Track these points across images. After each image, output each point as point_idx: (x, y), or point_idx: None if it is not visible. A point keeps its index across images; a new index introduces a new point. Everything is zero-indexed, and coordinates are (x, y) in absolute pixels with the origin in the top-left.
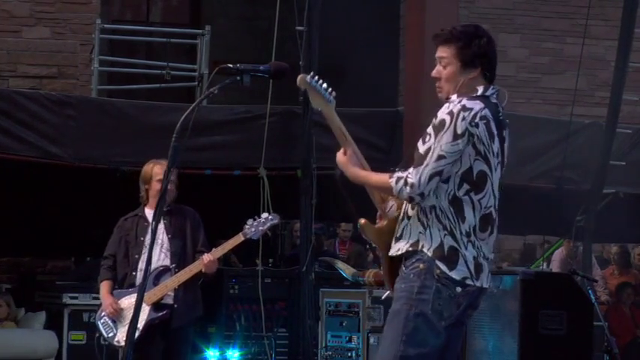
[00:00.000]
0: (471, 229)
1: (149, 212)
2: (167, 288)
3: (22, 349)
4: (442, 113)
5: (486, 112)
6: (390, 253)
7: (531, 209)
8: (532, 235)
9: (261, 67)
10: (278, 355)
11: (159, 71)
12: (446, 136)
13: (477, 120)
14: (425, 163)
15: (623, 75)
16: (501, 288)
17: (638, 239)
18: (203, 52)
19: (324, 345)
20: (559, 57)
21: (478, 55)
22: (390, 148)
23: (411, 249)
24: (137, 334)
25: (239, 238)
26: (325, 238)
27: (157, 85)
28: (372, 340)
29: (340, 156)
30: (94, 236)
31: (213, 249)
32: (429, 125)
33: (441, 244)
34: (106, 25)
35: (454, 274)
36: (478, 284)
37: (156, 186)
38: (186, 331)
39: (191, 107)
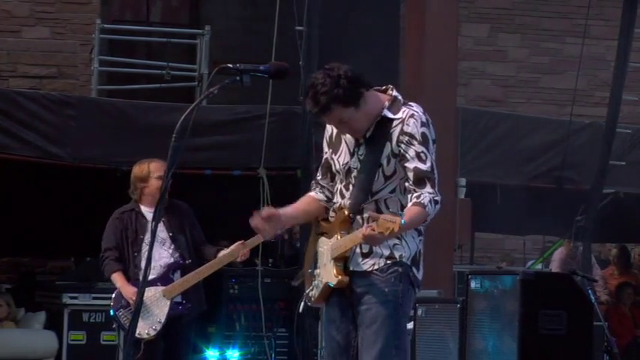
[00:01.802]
0: None
1: (146, 210)
2: (188, 283)
3: (21, 349)
4: (416, 128)
5: None
6: (357, 269)
7: (531, 209)
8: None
9: (261, 67)
10: (278, 355)
11: (159, 71)
12: (431, 147)
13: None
14: (434, 176)
15: (622, 75)
16: (501, 288)
17: (638, 239)
18: (203, 52)
19: (323, 345)
20: (559, 57)
21: (354, 87)
22: None
23: (389, 261)
24: (160, 327)
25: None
26: None
27: (157, 85)
28: None
29: (373, 235)
30: (94, 236)
31: (248, 240)
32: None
33: (416, 250)
34: (105, 25)
35: (419, 274)
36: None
37: (155, 183)
38: (188, 330)
39: (191, 107)
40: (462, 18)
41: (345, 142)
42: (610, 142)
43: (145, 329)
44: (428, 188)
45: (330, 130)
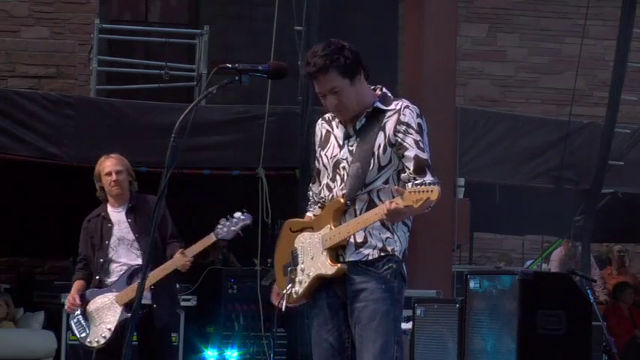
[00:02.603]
0: None
1: (112, 210)
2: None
3: (20, 349)
4: (413, 119)
5: None
6: (351, 259)
7: (530, 209)
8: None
9: (260, 67)
10: (277, 354)
11: (157, 71)
12: (425, 137)
13: None
14: (432, 166)
15: (621, 75)
16: (500, 288)
17: (637, 239)
18: (202, 51)
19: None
20: (558, 57)
21: (354, 62)
22: None
23: (383, 254)
24: (110, 334)
25: (210, 239)
26: None
27: (156, 85)
28: None
29: (399, 208)
30: None
31: (188, 248)
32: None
33: (407, 246)
34: (104, 25)
35: (405, 272)
36: None
37: (106, 180)
38: (167, 332)
39: (190, 107)
40: (460, 18)
41: (335, 136)
42: (609, 142)
43: (95, 337)
44: (428, 177)
45: (319, 132)
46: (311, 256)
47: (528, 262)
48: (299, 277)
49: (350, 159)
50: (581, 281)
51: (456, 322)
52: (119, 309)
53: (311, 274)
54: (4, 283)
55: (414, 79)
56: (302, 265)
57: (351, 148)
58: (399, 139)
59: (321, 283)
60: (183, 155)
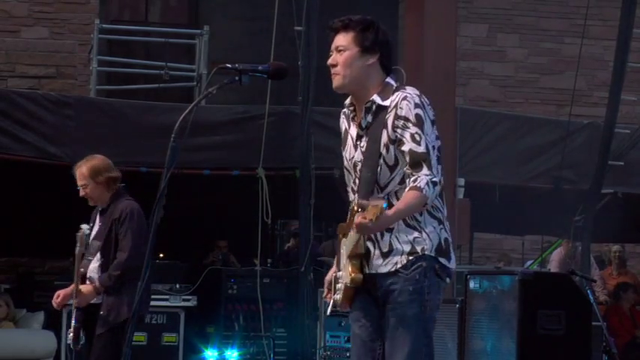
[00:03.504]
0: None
1: (96, 210)
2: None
3: (20, 349)
4: (410, 110)
5: None
6: (380, 270)
7: (530, 209)
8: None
9: (260, 67)
10: (277, 355)
11: (157, 71)
12: (428, 128)
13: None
14: (430, 158)
15: (621, 75)
16: (500, 288)
17: (637, 239)
18: (202, 52)
19: (322, 345)
20: (557, 57)
21: (377, 42)
22: None
23: (412, 257)
24: (70, 336)
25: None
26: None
27: (156, 85)
28: None
29: (364, 223)
30: None
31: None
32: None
33: (439, 241)
34: (104, 25)
35: (451, 264)
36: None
37: (81, 192)
38: (101, 342)
39: (190, 107)
40: (460, 18)
41: (350, 136)
42: (608, 142)
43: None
44: (424, 170)
45: (342, 127)
46: (343, 263)
47: (528, 263)
48: (338, 285)
49: (362, 160)
50: (581, 281)
51: (455, 322)
52: (74, 313)
53: (343, 281)
54: (3, 284)
55: (413, 80)
56: (339, 273)
57: (362, 149)
58: (398, 135)
59: (354, 290)
60: (183, 155)
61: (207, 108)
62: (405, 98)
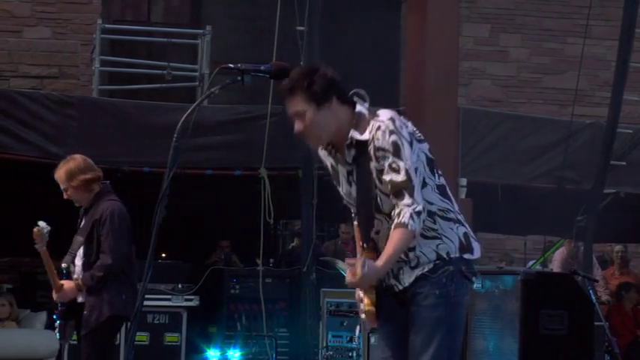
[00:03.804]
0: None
1: (82, 216)
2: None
3: (23, 349)
4: (385, 140)
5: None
6: (409, 283)
7: (532, 209)
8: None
9: (262, 67)
10: (279, 355)
11: (160, 71)
12: (406, 152)
13: (402, 119)
14: (412, 185)
15: (623, 75)
16: (502, 288)
17: (639, 239)
18: (204, 52)
19: (324, 345)
20: (560, 57)
21: (327, 88)
22: None
23: (438, 261)
24: (58, 334)
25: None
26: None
27: (158, 85)
28: (372, 340)
29: (355, 278)
30: None
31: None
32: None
33: (459, 239)
34: (107, 25)
35: (475, 254)
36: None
37: (64, 194)
38: (96, 337)
39: (192, 107)
40: (463, 18)
41: (341, 172)
42: (611, 142)
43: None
44: (406, 200)
45: (326, 163)
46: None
47: (530, 263)
48: (361, 306)
49: (357, 197)
50: (583, 281)
51: None
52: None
53: (365, 307)
54: (6, 283)
55: (416, 80)
56: (361, 295)
57: (356, 184)
58: (381, 166)
59: (376, 312)
60: (186, 155)
61: (209, 108)
62: (378, 128)
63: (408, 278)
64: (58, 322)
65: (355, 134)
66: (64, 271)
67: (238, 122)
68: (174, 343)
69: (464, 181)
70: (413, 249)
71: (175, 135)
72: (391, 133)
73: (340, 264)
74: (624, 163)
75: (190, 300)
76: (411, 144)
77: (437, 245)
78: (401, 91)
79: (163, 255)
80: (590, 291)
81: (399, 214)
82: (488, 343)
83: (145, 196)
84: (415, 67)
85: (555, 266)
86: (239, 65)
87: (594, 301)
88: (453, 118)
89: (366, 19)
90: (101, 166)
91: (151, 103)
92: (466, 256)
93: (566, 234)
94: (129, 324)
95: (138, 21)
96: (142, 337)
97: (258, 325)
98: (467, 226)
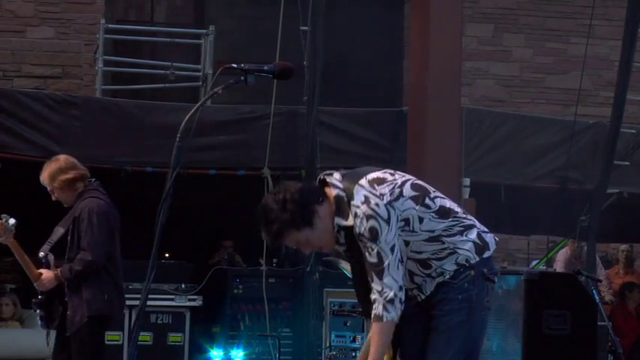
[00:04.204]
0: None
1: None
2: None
3: (26, 349)
4: (363, 226)
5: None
6: (431, 291)
7: (535, 209)
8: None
9: (266, 67)
10: (282, 355)
11: (163, 71)
12: (383, 234)
13: (375, 189)
14: (384, 265)
15: (627, 75)
16: (505, 288)
17: None
18: (207, 52)
19: (328, 345)
20: (563, 57)
21: (300, 210)
22: (394, 148)
23: (458, 267)
24: (46, 335)
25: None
26: None
27: (161, 85)
28: None
29: None
30: None
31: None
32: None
33: (473, 243)
34: (110, 25)
35: (492, 247)
36: None
37: (52, 196)
38: (82, 338)
39: (195, 107)
40: (466, 18)
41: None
42: (614, 142)
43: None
44: (376, 285)
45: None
46: None
47: (534, 262)
48: None
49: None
50: (586, 281)
51: None
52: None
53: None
54: (10, 283)
55: (419, 79)
56: None
57: (349, 261)
58: (364, 249)
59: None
60: (189, 155)
61: (212, 108)
62: (356, 216)
63: (430, 287)
64: (37, 310)
65: (340, 221)
66: (43, 260)
67: (241, 122)
68: (177, 343)
69: (467, 181)
70: (431, 267)
71: (179, 135)
72: (368, 218)
73: (343, 264)
74: (628, 163)
75: (194, 300)
76: (388, 220)
77: (455, 259)
78: (404, 91)
79: (167, 255)
80: (594, 291)
81: (374, 303)
82: (491, 342)
83: (148, 196)
84: (418, 67)
85: (558, 266)
86: (242, 65)
87: (597, 301)
88: (456, 118)
89: (368, 19)
90: (104, 166)
91: (154, 103)
92: (485, 254)
93: (569, 234)
94: (132, 324)
95: (141, 21)
96: (146, 337)
97: (261, 325)
98: (475, 223)
